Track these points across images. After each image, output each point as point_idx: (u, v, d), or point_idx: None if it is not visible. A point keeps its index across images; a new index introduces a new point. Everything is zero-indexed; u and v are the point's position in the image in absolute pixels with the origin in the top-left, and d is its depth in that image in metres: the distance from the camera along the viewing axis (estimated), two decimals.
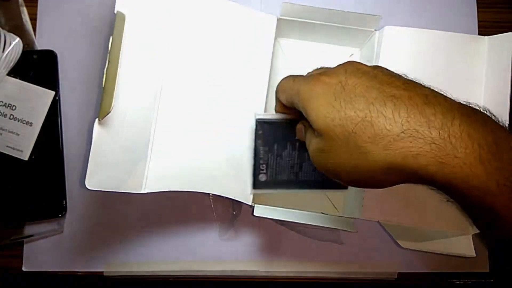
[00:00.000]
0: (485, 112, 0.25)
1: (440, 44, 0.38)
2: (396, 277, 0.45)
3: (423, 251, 0.43)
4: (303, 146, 0.37)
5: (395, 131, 0.23)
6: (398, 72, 0.27)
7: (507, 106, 0.37)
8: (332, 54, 0.43)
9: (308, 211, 0.39)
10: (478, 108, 0.25)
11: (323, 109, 0.26)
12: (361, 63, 0.28)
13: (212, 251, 0.44)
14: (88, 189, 0.32)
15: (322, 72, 0.28)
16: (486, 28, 0.47)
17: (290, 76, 0.31)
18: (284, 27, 0.40)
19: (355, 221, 0.39)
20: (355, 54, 0.43)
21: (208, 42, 0.37)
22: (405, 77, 0.27)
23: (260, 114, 0.35)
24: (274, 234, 0.44)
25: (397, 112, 0.24)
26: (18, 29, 0.43)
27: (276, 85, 0.32)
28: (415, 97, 0.24)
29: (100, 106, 0.32)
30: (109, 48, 0.33)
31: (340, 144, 0.25)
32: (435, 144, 0.23)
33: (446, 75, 0.38)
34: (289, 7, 0.37)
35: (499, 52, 0.37)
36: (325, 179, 0.39)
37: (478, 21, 0.47)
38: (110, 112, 0.31)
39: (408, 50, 0.38)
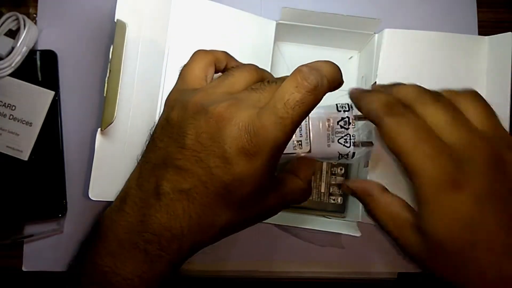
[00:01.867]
0: None
1: (440, 46, 0.39)
2: (396, 277, 0.47)
3: None
4: None
5: None
6: None
7: (508, 106, 0.38)
8: (332, 57, 0.44)
9: (310, 215, 0.41)
10: None
11: (447, 222, 0.24)
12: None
13: (211, 250, 0.45)
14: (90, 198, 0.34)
15: (460, 162, 0.24)
16: (486, 28, 0.48)
17: (408, 122, 0.25)
18: (283, 31, 0.42)
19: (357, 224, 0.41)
20: (355, 57, 0.45)
21: (209, 47, 0.39)
22: None
23: None
24: (274, 234, 0.46)
25: None
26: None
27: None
28: None
29: (102, 116, 0.33)
30: (110, 57, 0.34)
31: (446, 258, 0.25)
32: None
33: (446, 77, 0.39)
34: (288, 11, 0.39)
35: (499, 52, 0.39)
36: (323, 200, 0.42)
37: (478, 21, 0.48)
38: (112, 122, 0.33)
39: (408, 52, 0.39)
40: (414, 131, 0.25)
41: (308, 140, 0.32)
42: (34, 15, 0.45)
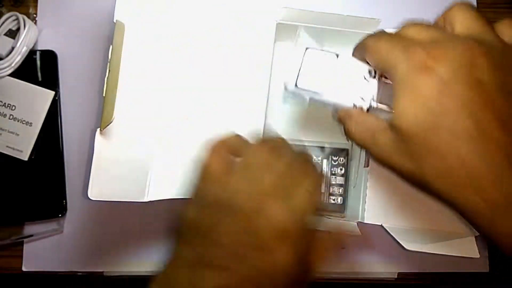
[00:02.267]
0: None
1: None
2: (396, 277, 0.47)
3: (427, 253, 0.44)
4: None
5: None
6: None
7: None
8: None
9: None
10: None
11: (414, 108, 0.24)
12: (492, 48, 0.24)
13: None
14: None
15: (431, 48, 0.25)
16: None
17: (385, 36, 0.28)
18: (283, 31, 0.42)
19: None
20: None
21: (208, 47, 0.39)
22: None
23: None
24: None
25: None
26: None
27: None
28: None
29: (102, 117, 0.33)
30: (109, 57, 0.34)
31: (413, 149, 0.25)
32: None
33: None
34: (288, 11, 0.39)
35: None
36: (323, 200, 0.42)
37: None
38: (111, 122, 0.33)
39: None
40: (389, 41, 0.27)
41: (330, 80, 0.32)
42: (34, 15, 0.46)
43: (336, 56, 0.33)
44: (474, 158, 0.23)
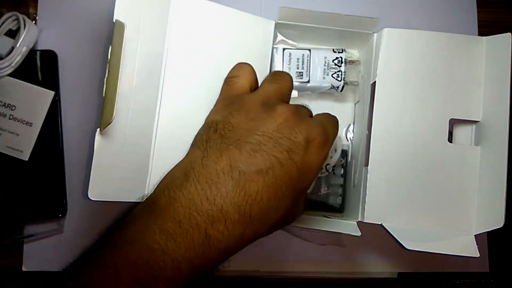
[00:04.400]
0: None
1: (439, 45, 0.39)
2: (396, 277, 0.47)
3: (426, 252, 0.44)
4: None
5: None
6: None
7: (507, 107, 0.38)
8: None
9: (310, 215, 0.41)
10: None
11: None
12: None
13: None
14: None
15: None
16: (486, 28, 0.48)
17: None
18: (282, 31, 0.42)
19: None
20: (354, 57, 0.45)
21: (207, 48, 0.39)
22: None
23: None
24: (275, 234, 0.46)
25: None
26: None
27: None
28: None
29: (101, 116, 0.33)
30: (109, 58, 0.34)
31: None
32: None
33: (445, 76, 0.40)
34: (287, 11, 0.39)
35: (497, 53, 0.39)
36: (323, 200, 0.42)
37: (478, 21, 0.49)
38: (111, 122, 0.33)
39: (407, 51, 0.39)
40: None
41: (308, 72, 0.42)
42: (34, 15, 0.46)
43: (309, 51, 0.42)
44: None
